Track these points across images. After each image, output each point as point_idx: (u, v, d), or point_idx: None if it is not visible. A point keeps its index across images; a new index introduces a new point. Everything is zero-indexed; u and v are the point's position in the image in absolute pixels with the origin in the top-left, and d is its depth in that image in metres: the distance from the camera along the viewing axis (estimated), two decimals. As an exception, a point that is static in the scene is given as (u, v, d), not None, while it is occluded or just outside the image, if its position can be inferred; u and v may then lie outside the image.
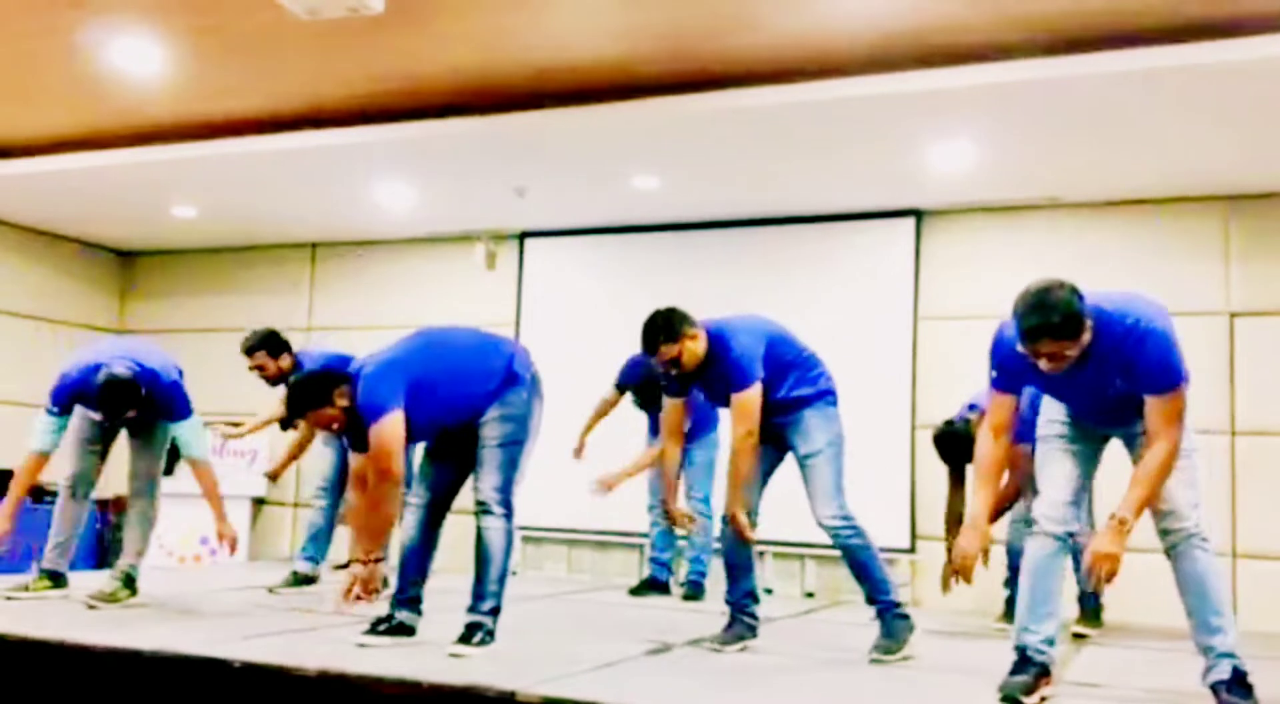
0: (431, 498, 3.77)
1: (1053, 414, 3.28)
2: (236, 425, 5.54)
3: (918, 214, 6.66)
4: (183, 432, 4.52)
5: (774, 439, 3.94)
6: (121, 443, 4.72)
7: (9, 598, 4.40)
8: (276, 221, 7.71)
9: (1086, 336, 2.88)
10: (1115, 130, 5.22)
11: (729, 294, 6.98)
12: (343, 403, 3.51)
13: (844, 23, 4.48)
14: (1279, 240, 5.97)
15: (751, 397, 3.79)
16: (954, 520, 4.83)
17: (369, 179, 6.54)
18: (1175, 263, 6.03)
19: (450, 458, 3.77)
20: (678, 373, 3.88)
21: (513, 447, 3.66)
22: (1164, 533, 3.10)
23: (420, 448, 4.03)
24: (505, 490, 3.63)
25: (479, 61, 5.03)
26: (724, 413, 5.89)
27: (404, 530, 3.75)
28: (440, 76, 5.22)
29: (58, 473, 4.68)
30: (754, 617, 4.00)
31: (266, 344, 5.27)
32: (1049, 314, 2.82)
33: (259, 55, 5.06)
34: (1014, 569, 4.91)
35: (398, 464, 3.46)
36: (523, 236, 7.59)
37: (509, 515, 3.63)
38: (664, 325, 3.81)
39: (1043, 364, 2.91)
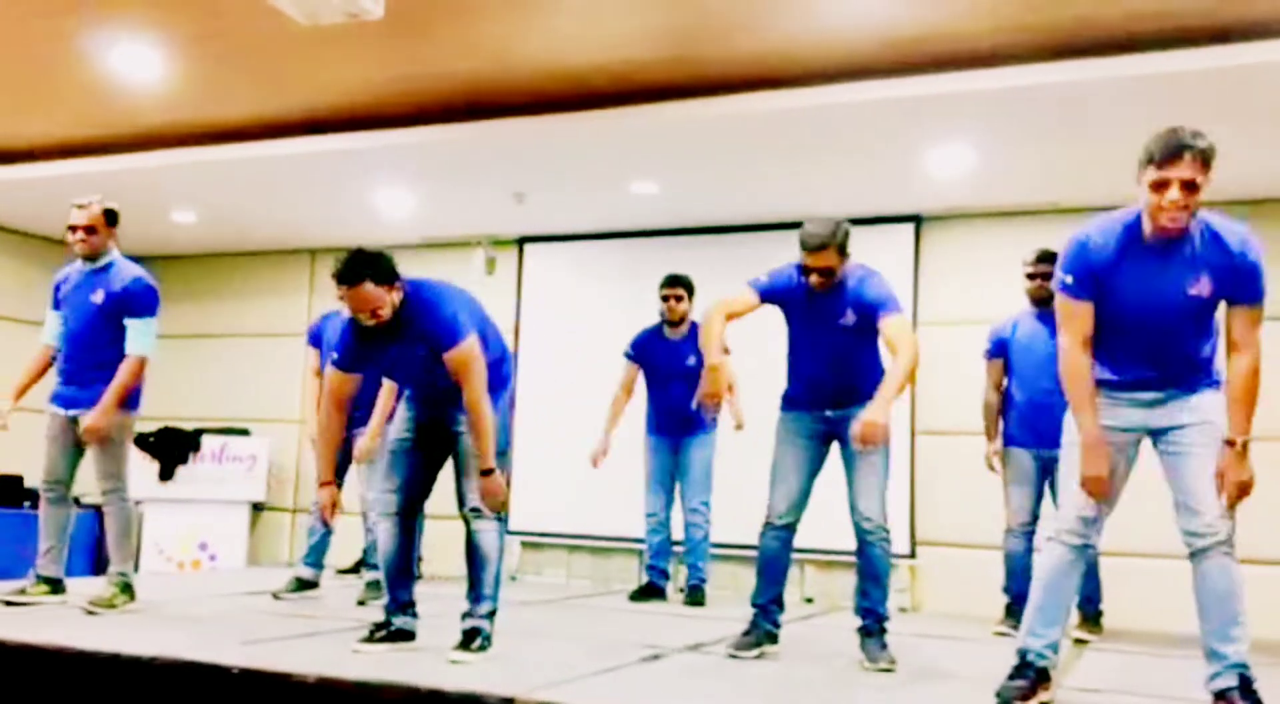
0: (403, 504, 3.70)
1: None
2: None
3: (917, 219, 6.67)
4: (135, 326, 4.42)
5: (823, 435, 3.87)
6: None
7: (7, 603, 4.39)
8: (276, 227, 7.72)
9: (1212, 174, 2.88)
10: (1114, 135, 5.21)
11: (728, 299, 7.01)
12: (396, 298, 3.49)
13: (843, 28, 4.49)
14: (1278, 246, 5.96)
15: (907, 320, 3.77)
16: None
17: (368, 185, 6.55)
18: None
19: (417, 461, 3.72)
20: (819, 284, 3.75)
21: (499, 456, 3.63)
22: (1192, 535, 3.00)
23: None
24: None
25: (478, 67, 5.03)
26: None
27: (381, 541, 3.72)
28: (439, 82, 5.22)
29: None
30: (776, 624, 3.96)
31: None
32: (1193, 138, 2.85)
33: (259, 61, 5.06)
34: (1011, 575, 4.92)
35: (484, 379, 3.53)
36: (522, 242, 7.60)
37: (503, 519, 3.68)
38: (836, 232, 3.73)
39: (1171, 195, 2.84)
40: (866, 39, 4.57)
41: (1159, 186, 2.88)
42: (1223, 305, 3.04)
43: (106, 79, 5.31)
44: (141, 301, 4.44)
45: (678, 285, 5.70)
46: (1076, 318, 3.09)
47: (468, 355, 3.50)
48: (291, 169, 6.30)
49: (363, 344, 3.58)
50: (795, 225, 6.79)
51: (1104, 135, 5.22)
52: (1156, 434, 3.11)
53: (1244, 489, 2.94)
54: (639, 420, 5.99)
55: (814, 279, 3.74)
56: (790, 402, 3.95)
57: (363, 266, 3.43)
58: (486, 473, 3.53)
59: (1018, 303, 6.35)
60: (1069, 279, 3.09)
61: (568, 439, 6.77)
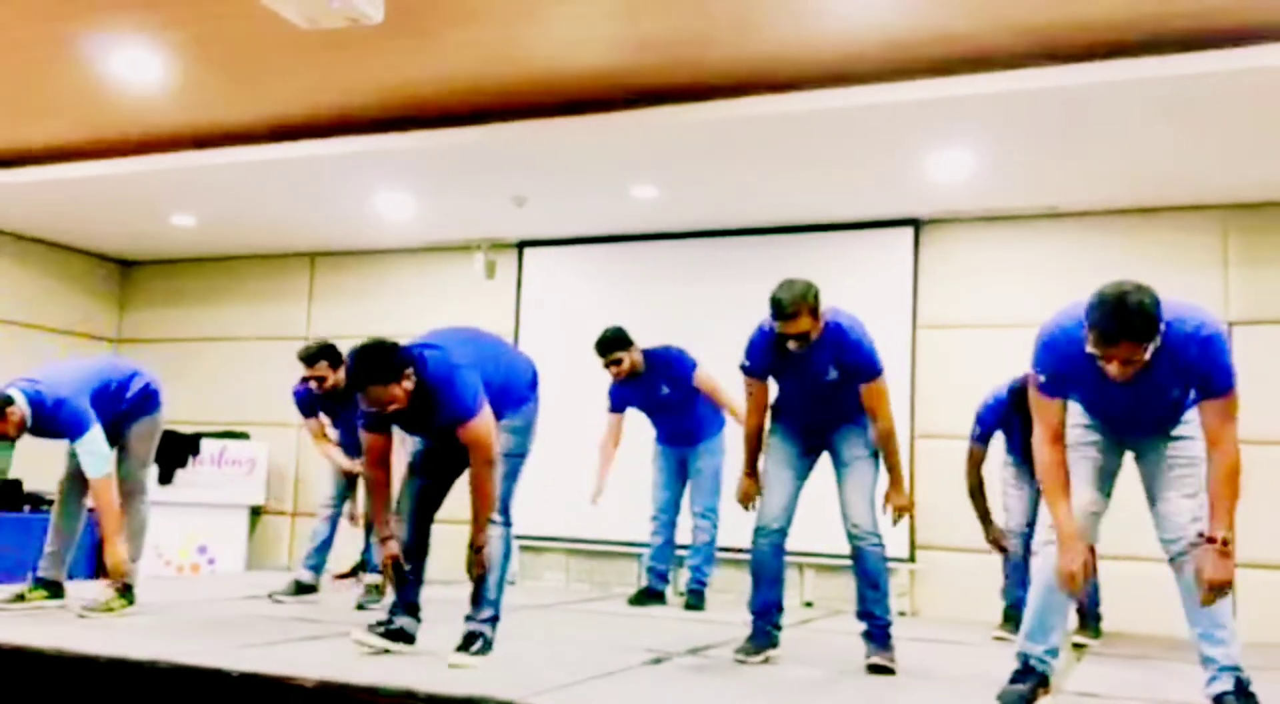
0: (417, 506, 3.74)
1: (1077, 421, 3.21)
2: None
3: (916, 223, 6.67)
4: (79, 449, 4.38)
5: (813, 447, 3.95)
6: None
7: (2, 607, 4.38)
8: (276, 231, 7.72)
9: (1157, 341, 2.82)
10: (1113, 139, 5.23)
11: (728, 303, 7.01)
12: (408, 385, 3.43)
13: (842, 33, 4.50)
14: (1277, 249, 5.98)
15: (886, 387, 3.80)
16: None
17: (368, 189, 6.55)
18: (1173, 272, 6.02)
19: (435, 466, 3.76)
20: (797, 346, 3.74)
21: (517, 458, 3.74)
22: (1166, 542, 3.10)
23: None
24: (506, 500, 3.67)
25: (478, 72, 5.04)
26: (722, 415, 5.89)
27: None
28: (439, 86, 5.23)
29: (53, 481, 4.68)
30: (777, 627, 3.97)
31: (330, 355, 5.16)
32: (1131, 318, 2.75)
33: (259, 65, 5.07)
34: (1010, 579, 4.92)
35: (498, 452, 3.54)
36: (522, 246, 7.61)
37: (508, 524, 3.68)
38: (807, 296, 3.65)
39: (1113, 368, 2.82)
40: (866, 43, 4.57)
41: (1102, 357, 2.85)
42: None
43: (107, 83, 5.31)
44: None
45: (608, 351, 5.51)
46: (1047, 410, 3.10)
47: (480, 432, 3.47)
48: (291, 173, 6.30)
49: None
50: (796, 229, 6.91)
51: (1103, 139, 5.22)
52: (1138, 449, 3.24)
53: (1218, 588, 2.89)
54: (643, 424, 5.98)
55: (791, 343, 3.74)
56: (780, 418, 4.01)
57: (368, 372, 3.38)
58: (477, 548, 3.54)
59: (1015, 306, 6.39)
60: (1041, 377, 3.08)
61: (567, 443, 6.77)
